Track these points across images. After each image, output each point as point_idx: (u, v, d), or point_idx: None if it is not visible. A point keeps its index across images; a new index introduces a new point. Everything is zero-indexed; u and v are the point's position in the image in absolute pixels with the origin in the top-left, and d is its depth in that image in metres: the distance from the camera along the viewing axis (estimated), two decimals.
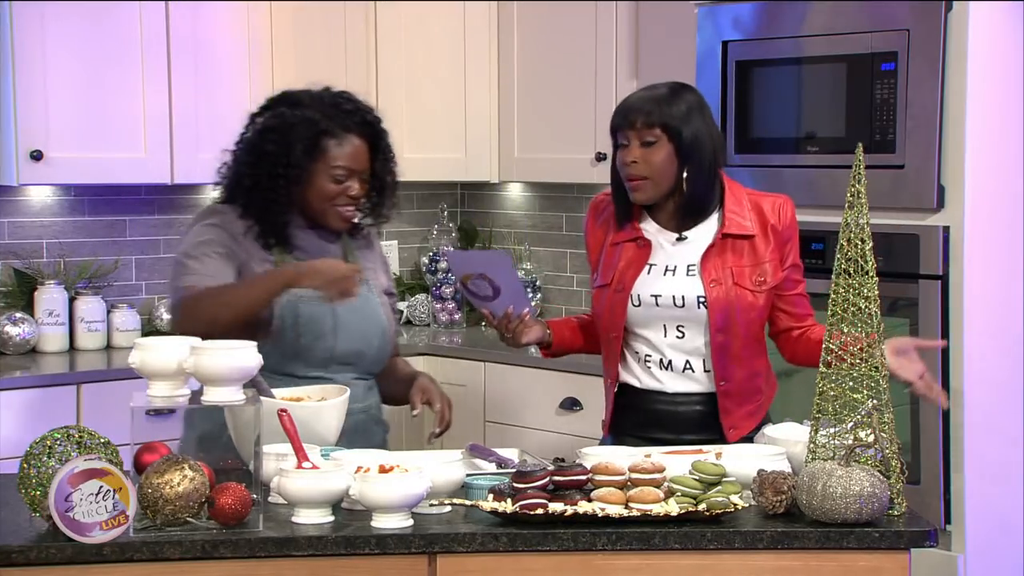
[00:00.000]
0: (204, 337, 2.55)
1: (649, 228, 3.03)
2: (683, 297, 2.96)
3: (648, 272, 3.00)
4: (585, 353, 3.24)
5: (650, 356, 3.01)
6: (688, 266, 2.98)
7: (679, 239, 3.00)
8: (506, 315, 3.00)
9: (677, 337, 2.99)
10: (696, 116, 2.95)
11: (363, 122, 2.99)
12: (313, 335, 2.93)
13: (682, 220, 3.01)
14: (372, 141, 3.01)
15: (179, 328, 2.76)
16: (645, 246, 3.01)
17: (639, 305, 2.99)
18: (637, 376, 3.03)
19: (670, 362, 2.99)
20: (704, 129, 2.96)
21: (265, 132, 2.97)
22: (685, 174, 2.95)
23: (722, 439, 2.95)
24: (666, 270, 3.00)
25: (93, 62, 4.24)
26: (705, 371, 2.98)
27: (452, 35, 4.88)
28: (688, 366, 2.99)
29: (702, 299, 2.95)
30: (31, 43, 4.14)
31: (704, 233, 2.99)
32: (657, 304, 2.98)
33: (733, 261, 2.97)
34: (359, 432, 2.95)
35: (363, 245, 3.12)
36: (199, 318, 2.77)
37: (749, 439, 2.94)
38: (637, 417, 3.02)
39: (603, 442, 3.07)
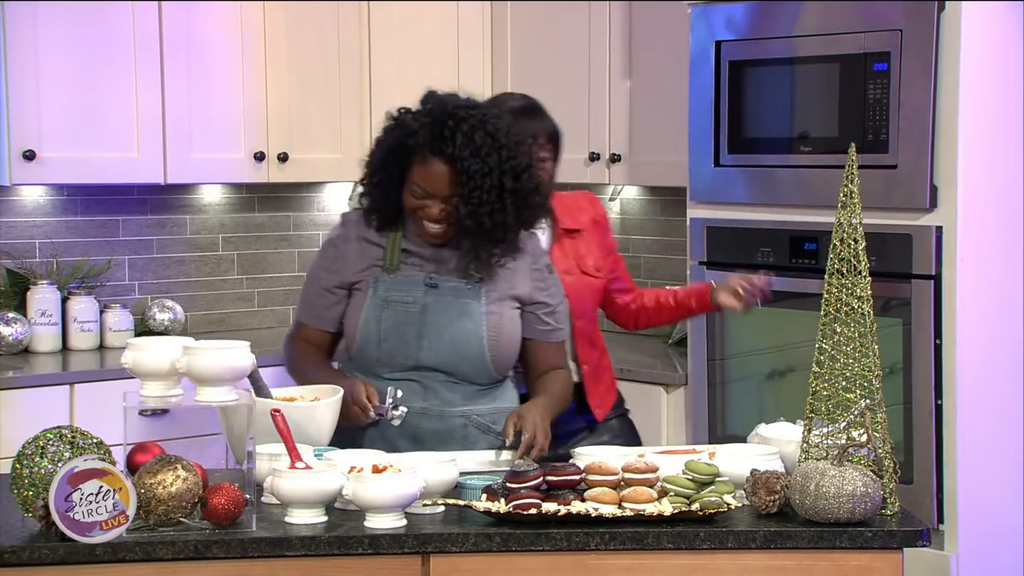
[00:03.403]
0: None
1: None
2: None
3: None
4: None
5: None
6: None
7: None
8: None
9: None
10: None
11: (450, 153, 2.82)
12: (395, 341, 2.91)
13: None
14: (458, 171, 2.84)
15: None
16: None
17: None
18: None
19: None
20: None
21: (386, 129, 2.96)
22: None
23: (590, 421, 3.19)
24: None
25: (86, 62, 4.24)
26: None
27: (445, 35, 4.88)
28: None
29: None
30: (24, 42, 4.13)
31: (542, 228, 3.18)
32: None
33: (573, 252, 3.26)
34: (456, 437, 2.92)
35: (506, 251, 2.95)
36: (288, 365, 3.10)
37: (615, 415, 3.29)
38: None
39: None
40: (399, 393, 2.84)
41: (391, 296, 2.92)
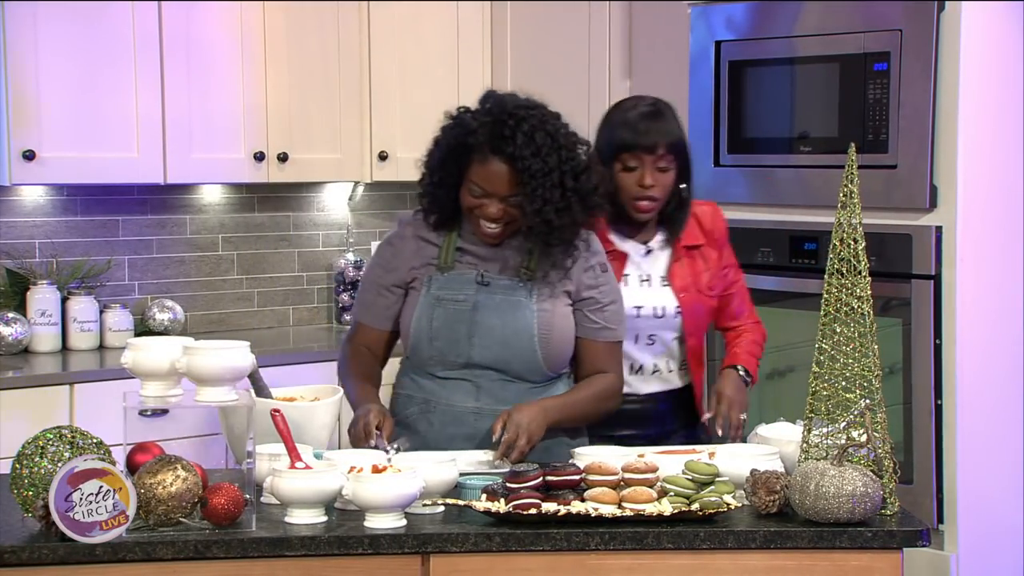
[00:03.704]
0: None
1: (615, 239, 3.11)
2: (663, 308, 3.10)
3: (625, 284, 3.08)
4: None
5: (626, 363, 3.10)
6: (660, 277, 3.12)
7: (648, 252, 3.12)
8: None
9: (647, 344, 3.11)
10: (685, 133, 3.11)
11: (511, 152, 2.83)
12: (447, 339, 2.92)
13: (677, 230, 3.13)
14: (519, 170, 2.85)
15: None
16: (619, 258, 3.10)
17: (637, 316, 3.09)
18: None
19: (640, 367, 3.11)
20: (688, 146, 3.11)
21: (445, 129, 2.97)
22: (681, 191, 3.10)
23: (687, 431, 3.13)
24: (641, 281, 3.11)
25: (86, 62, 4.23)
26: (669, 371, 3.14)
27: (445, 35, 4.88)
28: (656, 368, 3.13)
29: (678, 308, 3.09)
30: (24, 42, 4.13)
31: (659, 242, 3.14)
32: (638, 315, 3.08)
33: (692, 269, 3.13)
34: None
35: (567, 251, 2.94)
36: (338, 366, 3.12)
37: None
38: (608, 418, 3.02)
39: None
40: (402, 447, 2.77)
41: (443, 294, 2.93)
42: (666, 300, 3.11)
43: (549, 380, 2.98)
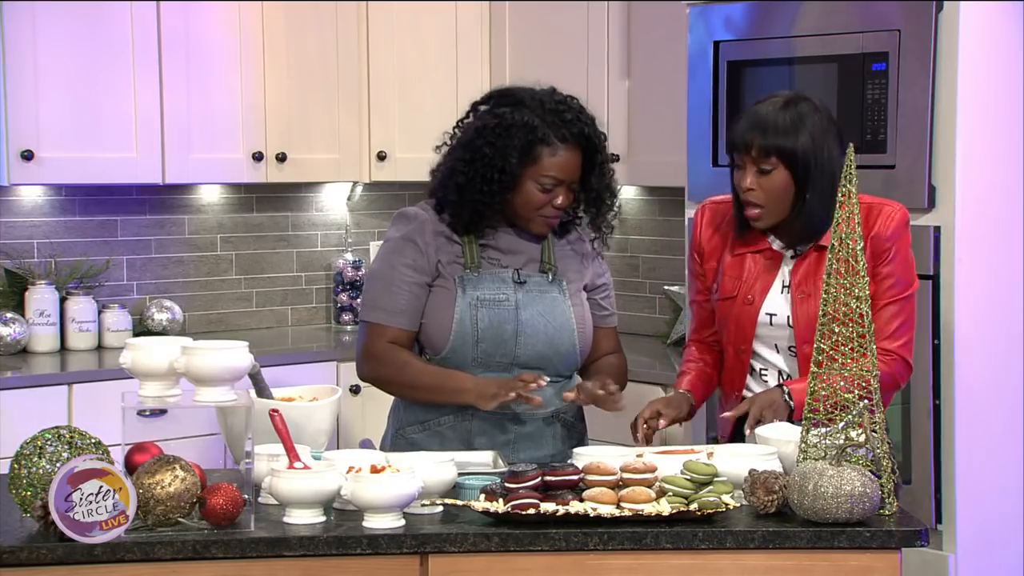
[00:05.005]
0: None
1: (775, 241, 2.93)
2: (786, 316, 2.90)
3: (781, 292, 2.91)
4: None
5: (765, 371, 2.96)
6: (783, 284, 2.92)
7: (793, 256, 2.91)
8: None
9: (790, 355, 2.94)
10: (817, 138, 2.81)
11: (580, 134, 2.90)
12: (492, 341, 2.91)
13: (798, 241, 2.90)
14: (587, 152, 2.92)
15: (359, 366, 2.98)
16: (774, 257, 2.92)
17: (770, 324, 2.92)
18: (754, 391, 2.96)
19: (789, 376, 2.94)
20: (825, 152, 2.81)
21: (483, 131, 2.90)
22: (804, 200, 2.82)
23: None
24: (783, 287, 2.92)
25: (84, 62, 4.24)
26: None
27: (444, 35, 4.88)
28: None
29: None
30: (22, 42, 4.13)
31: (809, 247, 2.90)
32: (771, 324, 2.92)
33: (818, 271, 2.84)
34: (546, 436, 2.95)
35: (566, 244, 3.01)
36: (378, 377, 2.96)
37: None
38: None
39: None
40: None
41: (483, 295, 2.92)
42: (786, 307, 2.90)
43: (571, 377, 3.01)
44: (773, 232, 2.92)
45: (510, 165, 2.86)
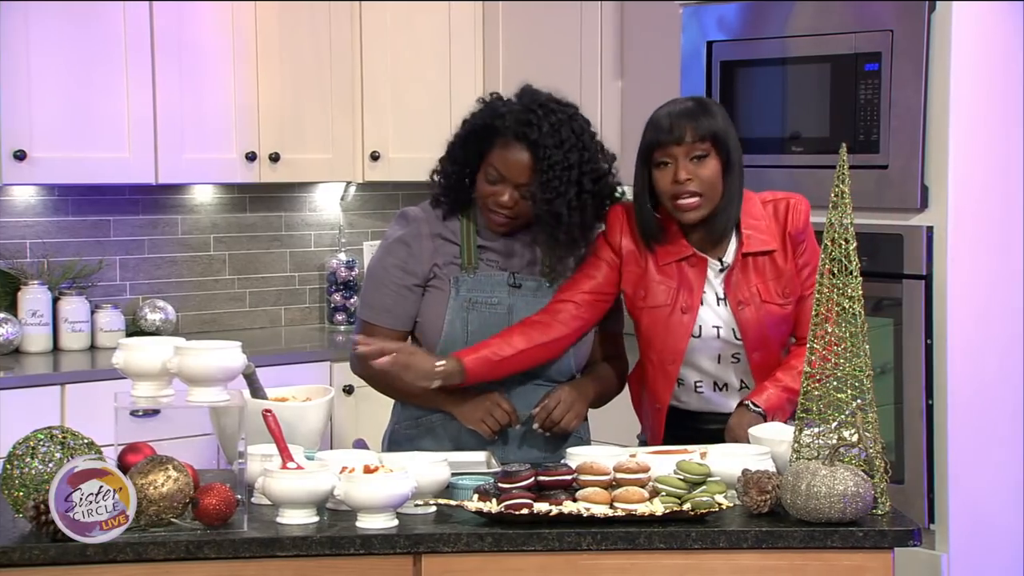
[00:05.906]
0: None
1: (693, 240, 2.89)
2: (737, 330, 2.88)
3: (718, 304, 2.89)
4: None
5: (701, 382, 2.94)
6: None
7: (722, 269, 2.89)
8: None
9: (732, 363, 2.93)
10: (728, 123, 2.87)
11: (534, 139, 2.83)
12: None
13: (707, 242, 2.88)
14: (539, 158, 2.84)
15: (350, 361, 3.02)
16: (699, 264, 2.88)
17: (699, 336, 2.89)
18: (685, 400, 2.96)
19: (725, 384, 2.94)
20: (737, 140, 2.87)
21: (472, 114, 2.96)
22: (726, 188, 2.83)
23: None
24: (717, 300, 2.90)
25: (77, 62, 4.23)
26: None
27: (437, 35, 4.88)
28: (743, 385, 2.93)
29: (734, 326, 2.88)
30: (15, 42, 4.12)
31: (732, 255, 2.89)
32: (719, 336, 2.90)
33: (757, 280, 2.87)
34: (543, 439, 2.95)
35: (562, 248, 2.92)
36: (363, 374, 3.00)
37: None
38: (689, 436, 2.90)
39: None
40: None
41: (475, 297, 2.92)
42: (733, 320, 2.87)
43: (572, 380, 3.00)
44: (692, 230, 2.87)
45: (471, 143, 2.91)
